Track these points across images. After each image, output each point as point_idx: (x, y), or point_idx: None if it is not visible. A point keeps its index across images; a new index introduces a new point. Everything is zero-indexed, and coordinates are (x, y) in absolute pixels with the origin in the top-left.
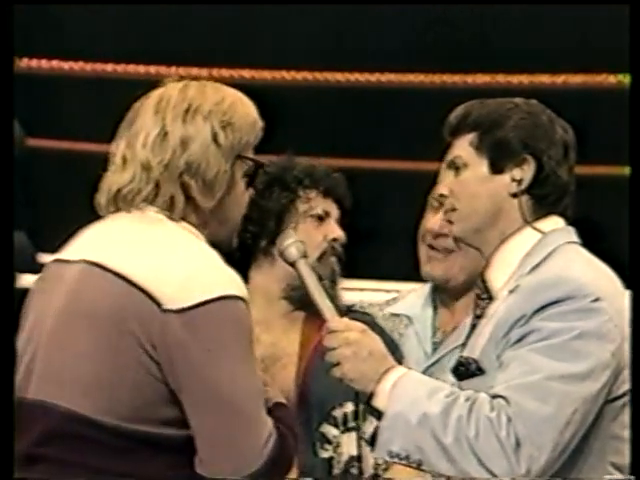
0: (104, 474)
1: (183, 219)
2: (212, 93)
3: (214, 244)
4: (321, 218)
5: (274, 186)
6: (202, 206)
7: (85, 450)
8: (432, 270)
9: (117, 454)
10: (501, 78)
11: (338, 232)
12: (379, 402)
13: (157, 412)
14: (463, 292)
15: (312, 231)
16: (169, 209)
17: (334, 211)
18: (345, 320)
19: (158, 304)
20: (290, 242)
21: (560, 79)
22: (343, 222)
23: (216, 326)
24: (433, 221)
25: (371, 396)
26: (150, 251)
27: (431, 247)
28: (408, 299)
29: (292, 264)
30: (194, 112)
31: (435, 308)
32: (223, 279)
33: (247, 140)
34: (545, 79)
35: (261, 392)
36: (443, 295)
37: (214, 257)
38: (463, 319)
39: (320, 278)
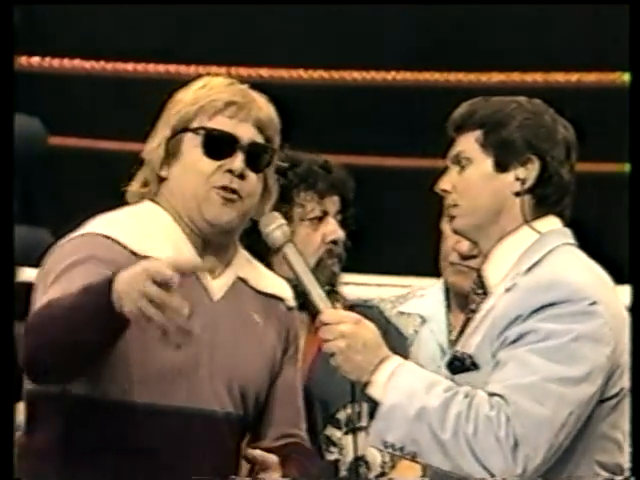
0: None
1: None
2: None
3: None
4: (319, 218)
5: None
6: (146, 179)
7: None
8: (460, 282)
9: None
10: (516, 76)
11: (337, 232)
12: (375, 392)
13: None
14: None
15: (310, 235)
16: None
17: (333, 206)
18: (338, 311)
19: None
20: (274, 226)
21: (574, 77)
22: (345, 213)
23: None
24: (461, 243)
25: (366, 385)
26: None
27: (457, 264)
28: (420, 298)
29: (278, 249)
30: None
31: (449, 307)
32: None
33: (186, 113)
34: (559, 77)
35: None
36: (460, 297)
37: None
38: None
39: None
